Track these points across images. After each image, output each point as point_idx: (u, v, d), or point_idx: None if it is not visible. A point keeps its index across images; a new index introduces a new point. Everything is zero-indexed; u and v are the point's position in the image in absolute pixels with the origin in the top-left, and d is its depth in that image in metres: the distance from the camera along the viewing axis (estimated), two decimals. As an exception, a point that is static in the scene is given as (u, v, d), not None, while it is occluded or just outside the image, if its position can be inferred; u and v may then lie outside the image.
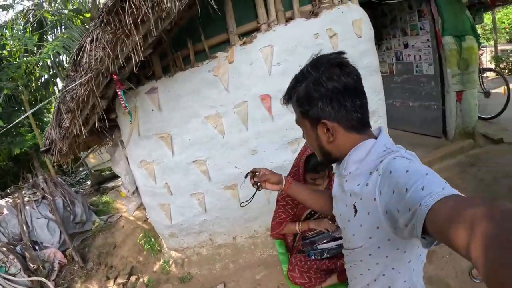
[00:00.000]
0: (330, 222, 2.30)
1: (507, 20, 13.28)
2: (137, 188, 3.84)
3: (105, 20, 2.33)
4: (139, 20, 2.25)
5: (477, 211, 0.53)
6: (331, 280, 2.21)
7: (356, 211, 0.96)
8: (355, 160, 0.96)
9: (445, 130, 4.83)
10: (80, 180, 9.01)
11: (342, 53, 0.97)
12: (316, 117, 0.96)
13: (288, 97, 1.05)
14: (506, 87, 5.45)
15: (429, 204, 0.65)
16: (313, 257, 2.20)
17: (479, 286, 2.53)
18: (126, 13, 2.20)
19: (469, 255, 0.52)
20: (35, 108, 5.04)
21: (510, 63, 8.95)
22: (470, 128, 4.78)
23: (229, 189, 3.29)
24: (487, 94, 5.71)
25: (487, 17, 11.35)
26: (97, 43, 2.43)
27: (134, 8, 2.19)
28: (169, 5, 2.17)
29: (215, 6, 2.38)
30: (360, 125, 0.96)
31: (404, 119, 5.45)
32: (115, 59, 2.47)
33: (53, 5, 7.68)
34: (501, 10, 13.34)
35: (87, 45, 2.49)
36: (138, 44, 2.38)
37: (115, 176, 7.49)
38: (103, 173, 7.86)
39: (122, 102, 2.79)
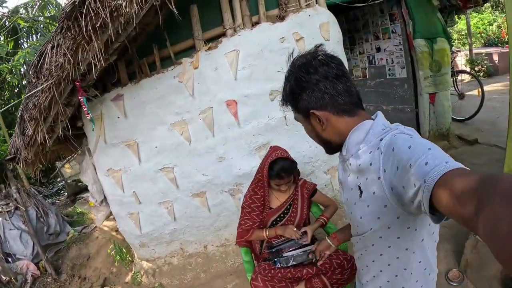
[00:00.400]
0: (295, 229, 2.26)
1: (482, 25, 13.68)
2: (105, 197, 3.75)
3: (65, 26, 2.28)
4: (98, 26, 2.20)
5: (484, 184, 0.53)
6: None
7: (361, 192, 0.96)
8: (355, 141, 0.98)
9: (419, 132, 4.77)
10: (57, 191, 8.80)
11: (319, 45, 1.03)
12: (305, 109, 1.01)
13: (282, 98, 1.10)
14: (480, 89, 5.54)
15: (434, 178, 0.65)
16: (278, 265, 2.15)
17: None
18: (84, 19, 2.15)
19: (477, 229, 0.51)
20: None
21: (484, 66, 9.14)
22: (444, 129, 4.83)
23: (197, 197, 3.22)
24: (461, 96, 5.80)
25: (462, 22, 11.65)
26: (58, 49, 2.38)
27: (92, 14, 2.14)
28: (127, 10, 2.13)
29: (175, 12, 2.33)
30: (349, 107, 0.99)
31: None
32: (76, 65, 2.41)
33: (30, 12, 7.54)
34: (477, 15, 13.75)
35: (48, 51, 2.43)
36: (99, 50, 2.32)
37: (92, 186, 7.33)
38: (79, 184, 7.67)
39: (84, 110, 2.72)
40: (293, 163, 2.29)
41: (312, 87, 0.97)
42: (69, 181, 7.81)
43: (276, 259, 2.19)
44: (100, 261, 4.37)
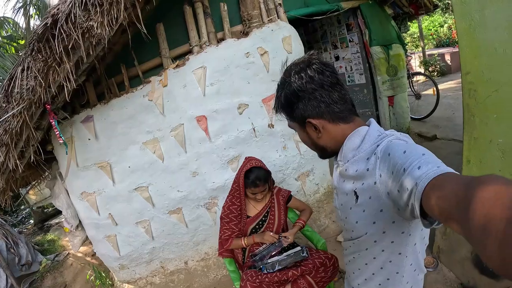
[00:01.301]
0: (272, 233, 2.35)
1: (433, 27, 14.42)
2: (80, 222, 3.67)
3: (35, 48, 2.27)
4: (70, 47, 2.21)
5: (473, 189, 0.52)
6: None
7: (357, 197, 0.97)
8: (351, 147, 0.98)
9: (380, 133, 5.06)
10: (22, 219, 8.42)
11: (312, 54, 1.02)
12: (301, 118, 1.01)
13: (275, 106, 1.10)
14: (435, 88, 5.87)
15: (425, 182, 0.66)
16: (265, 271, 2.22)
17: (430, 274, 2.64)
18: (56, 41, 2.15)
19: (468, 234, 0.51)
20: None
21: (438, 66, 9.66)
22: (405, 129, 5.08)
23: (174, 214, 3.24)
24: (418, 96, 6.11)
25: (414, 26, 12.26)
26: (29, 72, 2.34)
27: (64, 35, 2.15)
28: (99, 31, 2.16)
29: (144, 31, 2.39)
30: (344, 114, 1.00)
31: None
32: (47, 88, 2.39)
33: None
34: (428, 18, 14.48)
35: (18, 74, 2.39)
36: (70, 72, 2.32)
37: (58, 212, 7.07)
38: (45, 210, 7.40)
39: (56, 133, 2.66)
40: (268, 172, 2.38)
41: (308, 96, 0.97)
42: (34, 208, 7.51)
43: (262, 266, 2.26)
44: None
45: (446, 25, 14.19)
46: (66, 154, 3.01)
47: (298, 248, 2.31)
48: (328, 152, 1.07)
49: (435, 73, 9.71)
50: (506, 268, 0.42)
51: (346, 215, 1.06)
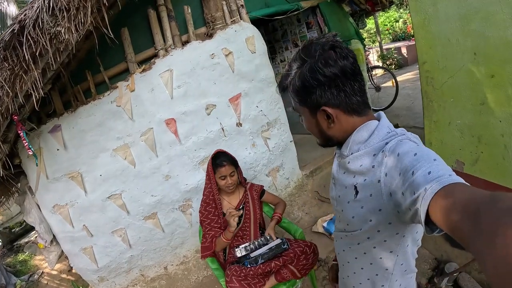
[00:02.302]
0: (231, 210, 2.32)
1: (389, 22, 15.04)
2: (54, 236, 3.56)
3: (1, 56, 2.21)
4: (37, 53, 2.17)
5: (487, 205, 0.49)
6: (270, 282, 2.30)
7: (357, 192, 0.93)
8: (358, 141, 0.93)
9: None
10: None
11: (335, 35, 0.92)
12: (315, 104, 0.93)
13: (284, 86, 1.00)
14: (394, 80, 6.13)
15: (435, 188, 0.63)
16: (248, 266, 2.25)
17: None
18: (24, 47, 2.12)
19: (474, 250, 0.47)
20: None
21: (394, 59, 10.08)
22: (368, 120, 5.24)
23: (149, 219, 3.23)
24: (377, 88, 6.36)
25: (371, 22, 12.74)
26: None
27: (32, 42, 2.12)
28: (67, 36, 2.15)
29: (111, 35, 2.39)
30: (360, 107, 0.93)
31: None
32: (14, 97, 2.33)
33: None
34: (383, 14, 15.07)
35: None
36: (38, 79, 2.27)
37: (27, 231, 6.87)
38: (13, 230, 7.09)
39: (25, 145, 2.57)
40: (234, 157, 2.49)
41: (329, 83, 0.88)
42: (1, 229, 7.17)
43: (245, 261, 2.29)
44: None
45: (401, 20, 14.87)
46: (37, 165, 2.92)
47: (279, 241, 2.37)
48: (334, 142, 1.01)
49: (393, 66, 10.14)
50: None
51: (342, 208, 1.03)
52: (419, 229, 1.01)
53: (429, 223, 0.66)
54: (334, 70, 0.87)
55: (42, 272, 5.07)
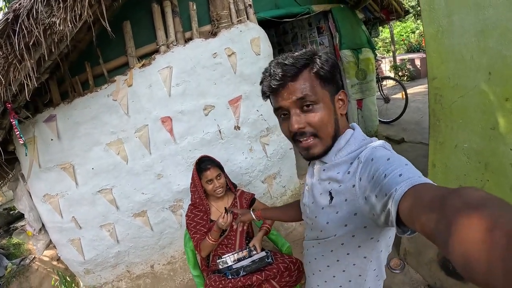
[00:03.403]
0: (222, 216, 2.18)
1: (405, 33, 14.87)
2: (43, 225, 3.55)
3: None
4: (31, 44, 2.13)
5: (450, 199, 0.51)
6: None
7: (331, 198, 0.95)
8: (336, 148, 0.97)
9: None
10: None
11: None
12: (337, 87, 0.98)
13: (300, 65, 0.93)
14: (404, 93, 6.02)
15: (404, 188, 0.66)
16: (230, 277, 2.18)
17: (397, 276, 2.69)
18: (17, 37, 2.08)
19: (447, 248, 0.48)
20: None
21: (407, 71, 9.93)
22: (373, 132, 5.18)
23: (139, 217, 3.18)
24: (387, 100, 6.25)
25: (386, 31, 12.59)
26: None
27: (25, 31, 2.08)
28: (61, 28, 2.10)
29: (108, 29, 2.33)
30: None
31: None
32: (7, 86, 2.29)
33: None
34: (400, 24, 14.89)
35: None
36: (32, 69, 2.24)
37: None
38: (11, 212, 7.12)
39: (17, 133, 2.56)
40: (218, 161, 2.46)
41: (339, 71, 0.99)
42: (0, 210, 7.23)
43: (226, 272, 2.23)
44: None
45: (417, 31, 14.69)
46: (26, 155, 2.90)
47: (263, 254, 2.30)
48: (332, 140, 0.98)
49: (405, 78, 9.99)
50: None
51: (316, 214, 1.04)
52: (392, 234, 1.04)
53: (399, 224, 0.68)
54: (335, 62, 0.97)
55: (34, 257, 5.07)
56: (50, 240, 3.68)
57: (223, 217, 2.12)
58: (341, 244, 0.99)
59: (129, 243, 3.29)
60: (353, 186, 0.88)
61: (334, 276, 1.09)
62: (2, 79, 2.22)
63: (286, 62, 0.93)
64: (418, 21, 15.17)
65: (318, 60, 0.93)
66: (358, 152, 0.91)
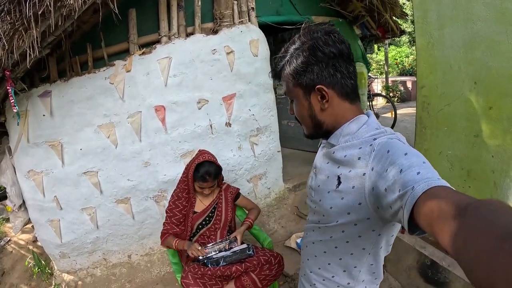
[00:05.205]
0: (200, 247, 2.29)
1: (399, 57, 15.25)
2: (24, 202, 3.49)
3: (5, 9, 2.20)
4: (40, 13, 2.15)
5: (472, 210, 0.49)
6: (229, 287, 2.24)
7: (339, 182, 0.93)
8: (346, 132, 0.95)
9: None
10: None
11: (332, 24, 0.97)
12: (311, 83, 0.94)
13: (278, 70, 1.01)
14: (393, 111, 6.17)
15: (423, 188, 0.63)
16: (209, 266, 2.20)
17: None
18: (28, 4, 2.10)
19: (459, 256, 0.47)
20: None
21: (398, 92, 10.18)
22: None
23: (121, 203, 3.17)
24: (376, 116, 6.36)
25: (381, 54, 12.89)
26: None
27: (36, 0, 2.10)
28: (71, 2, 2.14)
29: (115, 13, 2.38)
30: (353, 93, 0.97)
31: (299, 139, 5.73)
32: (10, 53, 2.29)
33: None
34: (395, 48, 15.28)
35: None
36: (36, 40, 2.24)
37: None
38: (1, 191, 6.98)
39: (12, 101, 2.53)
40: (219, 168, 2.39)
41: (327, 61, 0.91)
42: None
43: (206, 261, 2.24)
44: (16, 277, 4.00)
45: (412, 56, 15.07)
46: (18, 125, 2.87)
47: (245, 246, 2.32)
48: (323, 129, 1.00)
49: (396, 99, 10.22)
50: None
51: (321, 198, 1.02)
52: (395, 233, 1.02)
53: (409, 223, 0.66)
54: (333, 50, 0.90)
55: (10, 239, 4.96)
56: (29, 219, 3.64)
57: (196, 251, 2.25)
58: (342, 231, 0.97)
59: (108, 230, 3.26)
60: (364, 174, 0.86)
61: (329, 264, 1.07)
62: (6, 44, 2.23)
63: (275, 62, 1.03)
64: (413, 47, 15.59)
65: (293, 60, 0.96)
66: (370, 140, 0.88)
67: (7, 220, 5.05)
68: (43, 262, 3.78)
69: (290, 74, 0.97)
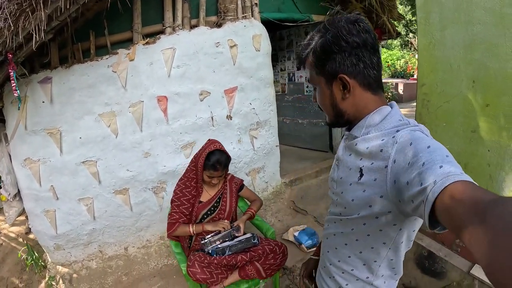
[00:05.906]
0: (226, 221, 2.36)
1: (391, 60, 15.53)
2: (19, 191, 3.41)
3: None
4: None
5: (495, 207, 0.48)
6: (233, 277, 2.26)
7: (361, 175, 0.92)
8: (369, 123, 0.93)
9: (331, 144, 5.37)
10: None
11: (359, 13, 0.96)
12: (333, 72, 0.93)
13: (303, 57, 1.01)
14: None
15: (445, 182, 0.62)
16: (214, 255, 2.21)
17: None
18: None
19: (479, 256, 0.46)
20: None
21: (390, 93, 10.34)
22: (354, 142, 5.34)
23: (119, 194, 3.14)
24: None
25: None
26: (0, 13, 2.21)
27: None
28: None
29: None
30: (376, 84, 0.95)
31: (294, 135, 5.82)
32: (14, 35, 2.24)
33: None
34: (386, 51, 15.53)
35: None
36: (42, 22, 2.20)
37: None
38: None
39: (13, 85, 2.47)
40: (229, 158, 2.40)
41: (350, 50, 0.90)
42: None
43: (211, 251, 2.24)
44: (7, 270, 3.91)
45: (403, 59, 15.36)
46: (18, 109, 2.80)
47: (249, 235, 2.33)
48: (345, 118, 0.99)
49: (387, 100, 10.40)
50: None
51: (342, 190, 1.00)
52: (417, 228, 1.00)
53: (430, 219, 0.65)
54: (357, 39, 0.89)
55: (0, 232, 4.87)
56: (23, 210, 3.56)
57: (228, 224, 2.33)
58: (363, 224, 0.96)
59: (105, 221, 3.22)
60: (386, 166, 0.84)
61: (349, 257, 1.06)
62: (12, 25, 2.18)
63: (300, 49, 1.02)
64: (405, 50, 15.92)
65: (317, 48, 0.95)
66: (393, 132, 0.87)
67: (0, 210, 4.93)
68: (36, 254, 3.71)
69: (314, 62, 0.97)
